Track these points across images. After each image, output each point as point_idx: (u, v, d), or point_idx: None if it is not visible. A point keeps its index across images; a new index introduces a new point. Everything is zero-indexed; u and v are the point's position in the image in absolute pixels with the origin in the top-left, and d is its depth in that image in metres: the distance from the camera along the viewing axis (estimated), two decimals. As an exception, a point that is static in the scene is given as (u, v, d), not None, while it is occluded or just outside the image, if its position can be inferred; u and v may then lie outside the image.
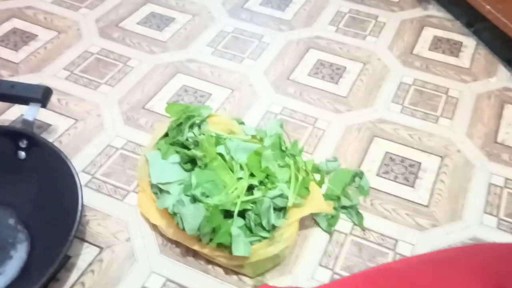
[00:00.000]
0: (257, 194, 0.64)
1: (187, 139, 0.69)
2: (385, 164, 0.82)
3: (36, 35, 1.04)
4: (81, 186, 0.65)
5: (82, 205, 0.64)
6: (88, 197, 0.74)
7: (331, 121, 0.89)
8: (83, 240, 0.69)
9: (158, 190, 0.67)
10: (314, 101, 0.92)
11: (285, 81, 0.96)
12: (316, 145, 0.84)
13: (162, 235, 0.70)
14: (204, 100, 0.91)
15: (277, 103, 0.92)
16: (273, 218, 0.63)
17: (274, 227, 0.64)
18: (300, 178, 0.67)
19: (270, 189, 0.65)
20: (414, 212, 0.75)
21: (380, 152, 0.84)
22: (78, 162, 0.79)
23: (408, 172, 0.81)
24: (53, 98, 0.89)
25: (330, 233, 0.72)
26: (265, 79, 0.97)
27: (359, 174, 0.77)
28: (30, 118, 0.72)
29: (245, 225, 0.63)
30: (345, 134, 0.87)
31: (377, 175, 0.81)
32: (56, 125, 0.85)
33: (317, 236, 0.71)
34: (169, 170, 0.67)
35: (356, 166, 0.82)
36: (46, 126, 0.85)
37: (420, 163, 0.83)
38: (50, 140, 0.82)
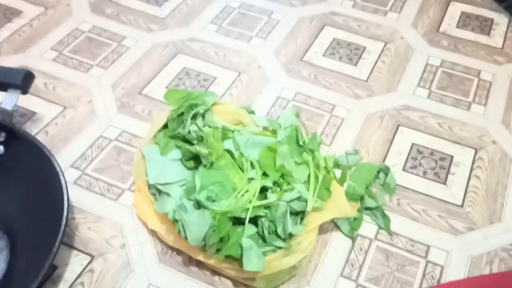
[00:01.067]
0: (271, 197, 0.55)
1: (189, 132, 0.60)
2: (412, 158, 0.73)
3: (21, 11, 0.93)
4: (66, 186, 0.56)
5: (68, 208, 0.55)
6: (78, 197, 0.66)
7: (350, 108, 0.79)
8: (71, 247, 0.61)
9: (157, 191, 0.58)
10: (331, 86, 0.83)
11: (298, 63, 0.87)
12: (334, 135, 0.75)
13: (161, 241, 0.61)
14: (208, 85, 0.82)
15: (290, 87, 0.82)
16: (290, 225, 0.54)
17: (290, 236, 0.55)
18: (321, 177, 0.58)
19: (286, 191, 0.56)
20: (447, 213, 0.66)
21: (406, 143, 0.75)
22: (66, 156, 0.70)
23: (439, 166, 0.72)
24: (39, 82, 0.80)
25: (353, 238, 0.63)
26: (275, 60, 0.87)
27: (385, 170, 0.68)
28: (8, 107, 0.63)
29: (258, 233, 0.55)
30: (367, 123, 0.77)
31: (404, 170, 0.71)
32: (42, 113, 0.76)
33: (338, 242, 0.63)
34: (168, 168, 0.58)
35: (379, 159, 0.72)
36: (30, 114, 0.75)
37: (452, 157, 0.73)
38: (35, 130, 0.73)
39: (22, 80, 0.64)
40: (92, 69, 0.83)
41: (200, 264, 0.59)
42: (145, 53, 0.86)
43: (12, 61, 0.83)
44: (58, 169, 0.57)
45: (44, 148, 0.59)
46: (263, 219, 0.54)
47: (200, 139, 0.58)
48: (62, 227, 0.53)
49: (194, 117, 0.61)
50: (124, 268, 0.59)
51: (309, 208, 0.55)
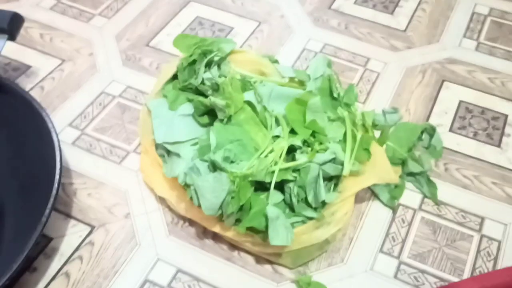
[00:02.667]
0: (300, 159, 0.46)
1: (202, 82, 0.51)
2: (460, 117, 0.63)
3: (16, -44, 0.84)
4: (59, 146, 0.48)
5: (61, 171, 0.47)
6: (76, 159, 0.57)
7: (387, 61, 0.69)
8: (68, 216, 0.53)
9: (165, 152, 0.50)
10: (364, 36, 0.72)
11: (326, 11, 0.76)
12: (369, 92, 0.65)
13: (172, 210, 0.53)
14: (224, 36, 0.72)
15: (317, 38, 0.72)
16: (323, 191, 0.45)
17: (323, 204, 0.46)
18: (359, 136, 0.49)
19: (318, 151, 0.46)
20: (502, 180, 0.57)
21: (452, 101, 0.65)
22: (64, 114, 0.62)
23: (491, 127, 0.62)
24: (35, 33, 0.71)
25: (394, 208, 0.54)
26: (300, 8, 0.77)
27: (429, 130, 0.58)
28: (-7, 55, 0.54)
29: (284, 201, 0.46)
30: (406, 78, 0.67)
31: (451, 131, 0.62)
32: (37, 66, 0.67)
33: (376, 212, 0.54)
34: (178, 124, 0.49)
35: (422, 119, 0.63)
36: (24, 68, 0.67)
37: (506, 116, 0.63)
38: (30, 85, 0.65)
39: (9, 24, 0.55)
40: (93, 19, 0.74)
41: (216, 237, 0.51)
42: (153, 0, 0.77)
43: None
44: (50, 125, 0.49)
45: (34, 102, 0.51)
46: (291, 185, 0.45)
47: (216, 89, 0.49)
48: (54, 192, 0.45)
49: (208, 65, 0.52)
50: (128, 240, 0.51)
51: (345, 172, 0.46)
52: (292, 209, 0.46)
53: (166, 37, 0.71)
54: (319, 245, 0.48)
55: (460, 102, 0.65)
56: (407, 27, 0.74)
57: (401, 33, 0.73)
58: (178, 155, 0.48)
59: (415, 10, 0.77)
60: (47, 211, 0.43)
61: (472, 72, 0.68)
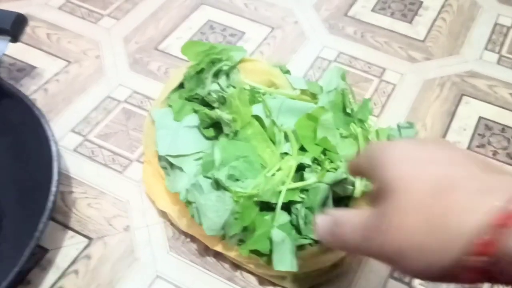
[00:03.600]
0: (310, 178, 0.43)
1: (209, 93, 0.48)
2: (479, 134, 0.60)
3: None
4: (58, 155, 0.46)
5: (58, 182, 0.45)
6: (78, 167, 0.55)
7: (404, 72, 0.66)
8: (66, 227, 0.51)
9: (168, 164, 0.48)
10: (381, 46, 0.70)
11: (342, 18, 0.73)
12: (384, 104, 0.63)
13: (173, 224, 0.51)
14: (235, 41, 0.70)
15: (331, 47, 0.69)
16: (332, 214, 0.42)
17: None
18: (372, 155, 0.46)
19: (328, 170, 0.44)
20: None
21: (472, 117, 0.62)
22: (67, 118, 0.60)
23: (512, 146, 0.59)
24: (41, 33, 0.69)
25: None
26: (315, 14, 0.74)
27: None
28: (-5, 57, 0.53)
29: (291, 222, 0.43)
30: (423, 91, 0.64)
31: (469, 148, 0.59)
32: (43, 68, 0.65)
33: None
34: (183, 137, 0.47)
35: (439, 135, 0.60)
36: (29, 69, 0.65)
37: (528, 135, 0.60)
38: (34, 87, 0.63)
39: (13, 25, 0.53)
40: (102, 20, 0.72)
41: (218, 255, 0.48)
42: (164, 3, 0.75)
43: (13, 8, 0.72)
44: (49, 133, 0.47)
45: (35, 108, 0.49)
46: (298, 206, 0.43)
47: (223, 102, 0.46)
48: (49, 205, 0.43)
49: (216, 75, 0.49)
50: (127, 255, 0.49)
51: (357, 193, 0.44)
52: (299, 231, 0.43)
53: (176, 40, 0.69)
54: (327, 269, 0.45)
55: (480, 118, 0.62)
56: (426, 37, 0.71)
57: (419, 43, 0.70)
58: (181, 169, 0.45)
59: (435, 20, 0.73)
60: (41, 225, 0.42)
61: (493, 87, 0.65)
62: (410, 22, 0.73)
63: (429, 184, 0.25)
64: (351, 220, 0.29)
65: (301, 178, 0.44)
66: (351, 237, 0.28)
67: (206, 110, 0.46)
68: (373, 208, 0.28)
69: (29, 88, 0.62)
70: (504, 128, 0.61)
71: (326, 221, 0.31)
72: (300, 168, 0.44)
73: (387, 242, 0.26)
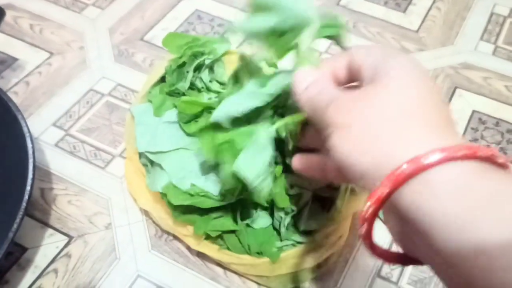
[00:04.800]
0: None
1: (191, 87, 0.47)
2: (472, 128, 0.59)
3: None
4: (33, 150, 0.45)
5: (33, 180, 0.43)
6: (58, 162, 0.54)
7: (396, 64, 0.64)
8: (46, 224, 0.50)
9: (149, 161, 0.46)
10: (373, 36, 0.68)
11: (334, 7, 0.71)
12: (375, 97, 0.61)
13: (156, 222, 0.49)
14: (223, 31, 0.68)
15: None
16: (313, 220, 0.41)
17: (317, 226, 0.42)
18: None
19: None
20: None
21: (465, 110, 0.60)
22: (49, 112, 0.58)
23: (506, 140, 0.57)
24: (24, 23, 0.67)
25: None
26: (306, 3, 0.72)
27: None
28: (-30, 50, 0.51)
29: (273, 225, 0.42)
30: (416, 84, 0.62)
31: (461, 143, 0.57)
32: (25, 60, 0.63)
33: (376, 233, 0.50)
34: (162, 133, 0.45)
35: (431, 129, 0.58)
36: (10, 61, 0.63)
37: (523, 129, 0.59)
38: (15, 80, 0.61)
39: (-11, 17, 0.51)
40: (87, 9, 0.70)
41: (202, 254, 0.47)
42: (151, -9, 0.73)
43: (-5, -2, 0.70)
44: (25, 130, 0.45)
45: (11, 103, 0.47)
46: (282, 214, 0.41)
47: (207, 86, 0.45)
48: (24, 200, 0.42)
49: (197, 69, 0.47)
50: (108, 253, 0.48)
51: (341, 194, 0.42)
52: (279, 234, 0.42)
53: (162, 31, 0.67)
54: (311, 269, 0.44)
55: (473, 112, 0.60)
56: (419, 27, 0.69)
57: (413, 33, 0.68)
58: (161, 166, 0.44)
59: (429, 9, 0.71)
60: (15, 226, 0.40)
61: (488, 79, 0.63)
62: (404, 11, 0.71)
63: (412, 98, 0.25)
64: (328, 80, 0.29)
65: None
66: (321, 95, 0.28)
67: (189, 98, 0.44)
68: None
69: (10, 81, 0.61)
70: (498, 122, 0.59)
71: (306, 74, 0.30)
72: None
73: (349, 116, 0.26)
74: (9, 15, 0.65)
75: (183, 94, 0.47)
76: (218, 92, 0.47)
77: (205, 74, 0.47)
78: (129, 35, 0.67)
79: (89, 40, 0.66)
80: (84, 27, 0.67)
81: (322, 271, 0.46)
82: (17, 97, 0.59)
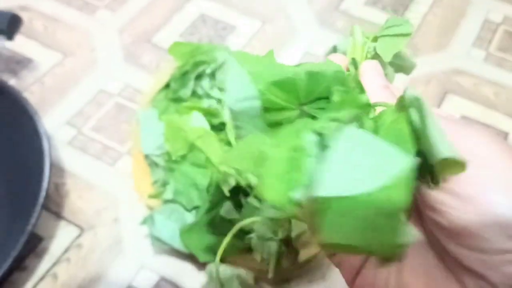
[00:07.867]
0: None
1: (193, 95, 0.51)
2: (459, 133, 0.62)
3: None
4: (50, 149, 0.49)
5: (50, 177, 0.48)
6: (71, 159, 0.58)
7: (390, 69, 0.68)
8: (60, 216, 0.54)
9: (153, 163, 0.50)
10: (369, 41, 0.71)
11: (333, 13, 0.74)
12: (369, 101, 0.64)
13: (159, 217, 0.54)
14: (226, 34, 0.71)
15: (321, 41, 0.71)
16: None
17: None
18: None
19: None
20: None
21: (454, 115, 0.63)
22: (62, 111, 0.62)
23: (491, 145, 0.61)
24: (38, 25, 0.71)
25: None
26: (307, 8, 0.75)
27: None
28: (-10, 55, 0.55)
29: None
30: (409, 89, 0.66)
31: (448, 147, 0.61)
32: (39, 61, 0.67)
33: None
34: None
35: (420, 133, 0.62)
36: (26, 62, 0.67)
37: (506, 134, 0.62)
38: (31, 80, 0.65)
39: (8, 24, 0.55)
40: (98, 11, 0.74)
41: (200, 247, 0.52)
42: (158, -6, 0.76)
43: (7, 2, 0.74)
44: (41, 131, 0.50)
45: (28, 105, 0.52)
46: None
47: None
48: (42, 194, 0.46)
49: (199, 77, 0.51)
50: (114, 246, 0.52)
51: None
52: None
53: (169, 34, 0.71)
54: (300, 264, 0.48)
55: (463, 117, 0.63)
56: (415, 32, 0.72)
57: (408, 39, 0.71)
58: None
59: (426, 15, 0.74)
60: (33, 219, 0.45)
61: (477, 85, 0.66)
62: (401, 16, 0.74)
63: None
64: None
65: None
66: None
67: (190, 104, 0.48)
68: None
69: (26, 81, 0.65)
70: (487, 128, 0.62)
71: None
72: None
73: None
74: (24, 17, 0.69)
75: (186, 101, 0.51)
76: (218, 99, 0.51)
77: (205, 82, 0.51)
78: (137, 37, 0.71)
79: (100, 41, 0.70)
80: (95, 28, 0.71)
81: (310, 266, 0.50)
82: (33, 96, 0.63)
